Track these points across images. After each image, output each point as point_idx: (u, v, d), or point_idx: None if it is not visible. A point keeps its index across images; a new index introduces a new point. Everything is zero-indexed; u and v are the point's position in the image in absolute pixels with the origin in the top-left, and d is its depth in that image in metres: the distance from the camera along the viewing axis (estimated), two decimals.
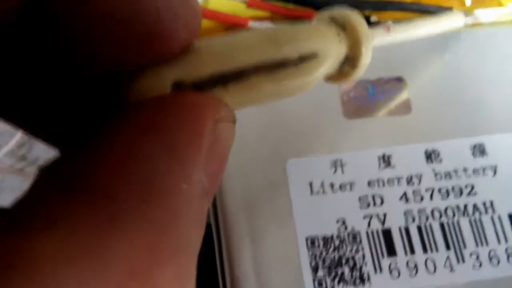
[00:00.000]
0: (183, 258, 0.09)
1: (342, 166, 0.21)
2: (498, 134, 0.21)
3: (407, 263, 0.19)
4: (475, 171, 0.21)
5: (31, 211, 0.08)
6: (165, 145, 0.09)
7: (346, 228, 0.20)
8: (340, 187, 0.21)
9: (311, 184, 0.21)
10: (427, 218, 0.20)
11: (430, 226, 0.20)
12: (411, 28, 0.19)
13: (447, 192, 0.20)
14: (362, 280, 0.19)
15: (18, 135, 0.30)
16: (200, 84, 0.11)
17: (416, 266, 0.19)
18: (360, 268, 0.19)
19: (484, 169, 0.21)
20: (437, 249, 0.20)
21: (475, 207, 0.20)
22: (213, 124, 0.10)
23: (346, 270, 0.19)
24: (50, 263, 0.07)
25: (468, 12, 0.23)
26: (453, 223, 0.20)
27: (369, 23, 0.23)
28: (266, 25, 0.22)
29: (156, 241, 0.08)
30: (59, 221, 0.07)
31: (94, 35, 0.09)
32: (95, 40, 0.09)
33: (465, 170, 0.21)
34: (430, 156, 0.21)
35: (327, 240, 0.20)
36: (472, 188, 0.20)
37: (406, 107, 0.22)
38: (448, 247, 0.20)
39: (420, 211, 0.20)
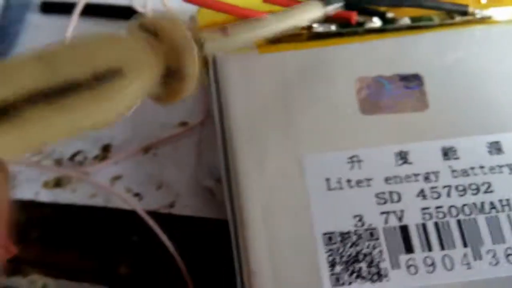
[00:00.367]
0: None
1: (359, 162, 0.21)
2: None
3: (424, 260, 0.19)
4: (491, 168, 0.21)
5: None
6: None
7: (363, 224, 0.20)
8: (357, 183, 0.21)
9: (328, 180, 0.21)
10: (444, 215, 0.20)
11: (447, 223, 0.20)
12: (256, 27, 0.17)
13: (464, 190, 0.20)
14: (379, 276, 0.19)
15: None
16: None
17: (433, 263, 0.19)
18: (378, 264, 0.19)
19: (500, 167, 0.21)
20: (454, 246, 0.20)
21: (491, 204, 0.20)
22: None
23: (364, 266, 0.19)
24: None
25: (484, 9, 0.23)
26: (470, 221, 0.20)
27: (385, 19, 0.23)
28: None
29: None
30: None
31: None
32: None
33: (481, 167, 0.21)
34: (447, 153, 0.21)
35: (344, 236, 0.20)
36: (489, 185, 0.20)
37: (423, 104, 0.22)
38: (465, 244, 0.20)
39: (437, 208, 0.20)
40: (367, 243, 0.20)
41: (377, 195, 0.20)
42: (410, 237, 0.20)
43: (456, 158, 0.21)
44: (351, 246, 0.20)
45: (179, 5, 0.22)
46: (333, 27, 0.23)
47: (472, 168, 0.21)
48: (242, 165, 0.21)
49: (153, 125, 0.29)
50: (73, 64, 0.10)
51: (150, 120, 0.29)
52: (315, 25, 0.23)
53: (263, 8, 0.23)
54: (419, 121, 0.21)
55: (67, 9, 0.31)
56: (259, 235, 0.20)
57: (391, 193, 0.20)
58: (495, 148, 0.21)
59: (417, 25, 0.23)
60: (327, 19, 0.22)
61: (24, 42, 0.32)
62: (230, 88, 0.22)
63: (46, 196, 0.28)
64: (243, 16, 0.22)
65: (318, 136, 0.21)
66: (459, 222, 0.20)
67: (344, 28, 0.23)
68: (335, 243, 0.20)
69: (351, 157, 0.21)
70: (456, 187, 0.20)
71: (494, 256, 0.19)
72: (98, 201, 0.27)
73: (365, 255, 0.20)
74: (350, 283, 0.19)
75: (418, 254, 0.19)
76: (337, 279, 0.19)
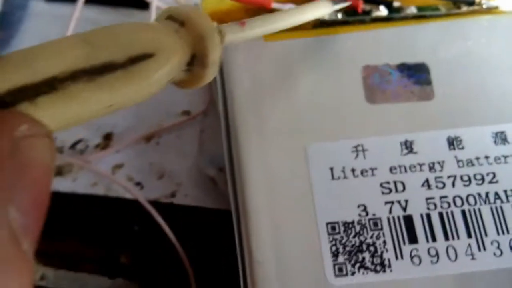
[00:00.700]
0: None
1: (363, 151, 0.21)
2: None
3: (428, 250, 0.19)
4: (496, 159, 0.21)
5: None
6: None
7: (367, 214, 0.20)
8: (362, 172, 0.20)
9: (332, 169, 0.20)
10: (449, 205, 0.20)
11: (452, 213, 0.20)
12: (271, 21, 0.17)
13: (469, 180, 0.20)
14: (382, 266, 0.19)
15: None
16: (1, 101, 0.09)
17: (437, 253, 0.19)
18: (381, 254, 0.19)
19: (505, 157, 0.21)
20: (458, 237, 0.19)
21: (496, 195, 0.20)
22: (12, 144, 0.08)
23: (367, 256, 0.19)
24: None
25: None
26: (474, 211, 0.20)
27: (391, 8, 0.23)
28: (289, 7, 0.22)
29: None
30: None
31: None
32: None
33: (486, 157, 0.21)
34: (452, 142, 0.21)
35: (347, 226, 0.20)
36: (494, 176, 0.20)
37: (428, 93, 0.22)
38: (469, 235, 0.19)
39: (442, 198, 0.20)
40: (370, 233, 0.20)
41: (381, 185, 0.20)
42: (414, 227, 0.20)
43: (462, 148, 0.21)
44: (354, 236, 0.20)
45: None
46: (339, 16, 0.23)
47: (477, 158, 0.20)
48: (246, 154, 0.21)
49: (155, 113, 0.29)
50: (113, 46, 0.11)
51: (152, 108, 0.29)
52: None
53: None
54: (424, 110, 0.21)
55: None
56: (263, 225, 0.20)
57: (395, 182, 0.20)
58: (501, 138, 0.21)
59: (423, 15, 0.23)
60: None
61: (27, 30, 0.32)
62: (235, 76, 0.22)
63: None
64: (248, 3, 0.22)
65: (323, 125, 0.21)
66: (463, 212, 0.20)
67: (351, 16, 0.23)
68: (338, 232, 0.20)
69: (355, 146, 0.21)
70: (461, 177, 0.20)
71: (498, 247, 0.19)
72: (99, 190, 0.27)
73: (368, 245, 0.19)
74: (353, 273, 0.19)
75: (422, 244, 0.19)
76: (340, 269, 0.19)
